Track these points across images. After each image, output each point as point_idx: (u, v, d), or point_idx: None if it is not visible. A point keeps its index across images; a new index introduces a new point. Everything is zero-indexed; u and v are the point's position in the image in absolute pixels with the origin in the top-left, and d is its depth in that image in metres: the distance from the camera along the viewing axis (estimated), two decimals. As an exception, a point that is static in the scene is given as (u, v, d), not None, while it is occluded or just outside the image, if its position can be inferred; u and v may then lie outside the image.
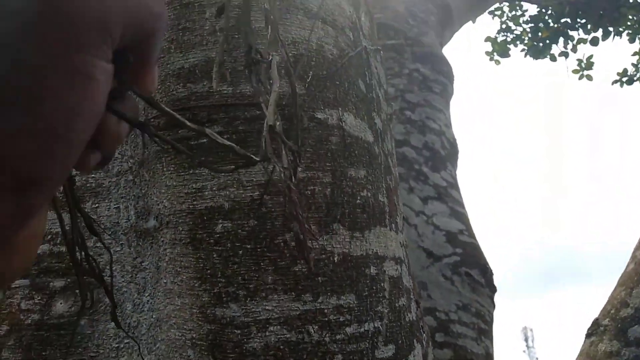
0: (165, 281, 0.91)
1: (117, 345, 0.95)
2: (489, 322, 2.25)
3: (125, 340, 0.95)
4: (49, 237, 1.07)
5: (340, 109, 0.98)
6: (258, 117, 0.90)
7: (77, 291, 1.01)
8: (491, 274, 2.39)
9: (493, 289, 2.35)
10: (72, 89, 0.23)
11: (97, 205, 1.07)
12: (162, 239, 0.94)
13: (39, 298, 1.01)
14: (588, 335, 1.91)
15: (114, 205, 1.06)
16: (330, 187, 0.92)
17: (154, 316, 0.92)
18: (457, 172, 3.04)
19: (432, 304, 2.19)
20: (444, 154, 2.91)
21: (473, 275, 2.31)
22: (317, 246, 0.88)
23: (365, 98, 1.11)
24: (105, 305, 0.98)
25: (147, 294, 0.95)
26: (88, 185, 1.11)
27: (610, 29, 5.95)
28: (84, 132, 0.25)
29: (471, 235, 2.56)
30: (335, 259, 0.89)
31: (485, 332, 2.18)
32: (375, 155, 1.08)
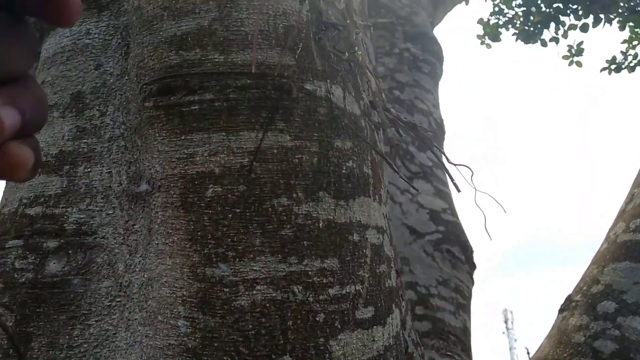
0: (157, 242, 0.94)
1: (109, 303, 0.99)
2: (467, 298, 2.34)
3: (117, 299, 0.99)
4: (42, 199, 1.09)
5: (328, 81, 1.01)
6: (249, 85, 0.93)
7: (70, 252, 1.04)
8: (471, 251, 2.47)
9: (473, 266, 2.43)
10: None
11: (89, 169, 1.10)
12: (154, 203, 0.97)
13: (33, 258, 1.05)
14: (561, 311, 2.00)
15: (106, 170, 1.09)
16: (317, 157, 0.96)
17: (145, 276, 0.96)
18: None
19: (413, 278, 2.26)
20: (431, 135, 2.96)
21: (454, 252, 2.38)
22: (303, 212, 0.92)
23: (350, 71, 1.14)
24: (97, 266, 1.02)
25: (139, 255, 0.99)
26: (80, 150, 1.13)
27: (601, 15, 5.99)
28: None
29: (454, 214, 2.63)
30: (320, 224, 0.93)
31: (463, 307, 2.26)
32: (361, 128, 1.11)
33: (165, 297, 0.90)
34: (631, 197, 2.04)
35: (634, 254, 1.79)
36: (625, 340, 1.64)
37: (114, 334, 0.96)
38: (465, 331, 2.20)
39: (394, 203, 2.54)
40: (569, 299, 1.98)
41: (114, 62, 1.20)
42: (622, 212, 2.05)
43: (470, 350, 2.18)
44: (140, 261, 0.98)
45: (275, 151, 0.92)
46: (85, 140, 1.14)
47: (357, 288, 0.96)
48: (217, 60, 0.94)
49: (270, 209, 0.90)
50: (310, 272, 0.90)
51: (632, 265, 1.76)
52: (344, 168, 1.01)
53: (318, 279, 0.91)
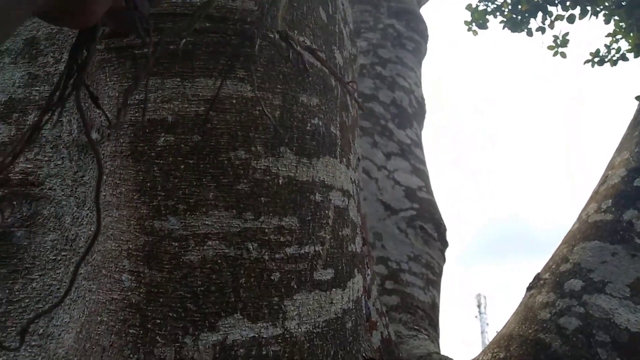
0: (104, 194, 0.89)
1: (54, 257, 0.93)
2: (438, 274, 2.33)
3: (63, 253, 0.93)
4: (-14, 147, 1.02)
5: (295, 31, 0.95)
6: (208, 29, 0.87)
7: (15, 202, 0.98)
8: (444, 229, 2.46)
9: (445, 244, 2.42)
10: None
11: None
12: (102, 152, 0.91)
13: (-26, 208, 0.98)
14: (529, 289, 2.00)
15: (57, 118, 1.02)
16: (280, 110, 0.91)
17: (92, 229, 0.91)
18: (423, 132, 3.06)
19: (385, 254, 2.24)
20: (411, 112, 2.92)
21: (427, 229, 2.37)
22: (262, 167, 0.87)
23: (325, 28, 1.08)
24: (43, 218, 0.96)
25: (86, 208, 0.93)
26: (31, 97, 1.06)
27: (588, 8, 6.00)
28: None
29: (429, 192, 2.61)
30: (280, 181, 0.89)
31: (433, 283, 2.26)
32: (331, 87, 1.06)
33: (110, 250, 0.84)
34: (604, 179, 2.04)
35: (603, 233, 1.80)
36: (589, 317, 1.65)
37: (58, 288, 0.91)
38: (434, 306, 2.20)
39: (370, 179, 2.51)
40: (537, 277, 1.98)
41: (71, 6, 1.12)
42: (595, 194, 2.05)
43: (438, 325, 2.18)
44: (87, 214, 0.93)
45: (234, 101, 0.87)
46: (37, 88, 1.07)
47: (316, 249, 0.92)
48: (174, 0, 0.87)
49: (226, 162, 0.85)
50: (266, 230, 0.86)
51: (601, 245, 1.76)
52: (309, 125, 0.96)
53: (275, 237, 0.87)
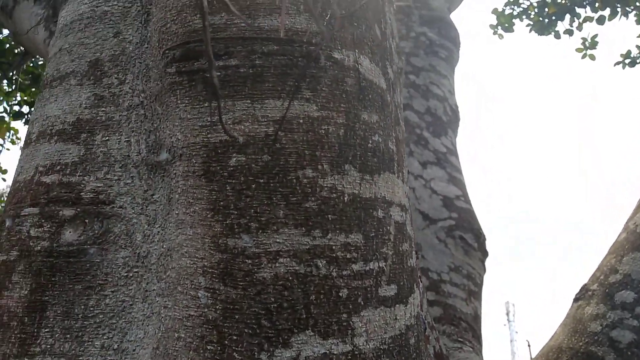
0: (177, 212, 0.92)
1: (126, 274, 0.97)
2: (479, 285, 2.31)
3: (135, 269, 0.97)
4: (59, 167, 1.07)
5: (357, 50, 0.97)
6: (276, 52, 0.90)
7: (87, 220, 1.02)
8: (484, 239, 2.44)
9: (485, 254, 2.40)
10: None
11: (107, 138, 1.07)
12: (174, 172, 0.94)
13: (49, 226, 1.03)
14: (576, 300, 1.96)
15: (125, 138, 1.06)
16: (344, 128, 0.93)
17: (164, 246, 0.94)
18: (457, 139, 3.05)
19: (425, 264, 2.23)
20: (446, 120, 2.91)
21: (467, 239, 2.35)
22: (328, 185, 0.89)
23: (380, 44, 1.10)
24: (114, 236, 1.00)
25: (157, 225, 0.97)
26: (98, 118, 1.11)
27: (618, 8, 5.87)
28: None
29: (467, 201, 2.59)
30: (345, 198, 0.91)
31: (475, 294, 2.24)
32: (387, 103, 1.08)
33: (185, 267, 0.87)
34: (653, 187, 2.00)
35: (655, 244, 1.76)
36: (644, 330, 1.61)
37: (131, 305, 0.95)
38: (476, 318, 2.18)
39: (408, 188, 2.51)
40: (584, 288, 1.94)
41: (133, 30, 1.16)
42: (642, 203, 2.01)
43: (481, 337, 2.16)
44: (159, 231, 0.96)
45: (301, 121, 0.89)
46: (103, 108, 1.11)
47: (380, 265, 0.93)
48: (243, 24, 0.90)
49: (294, 181, 0.87)
50: (334, 247, 0.88)
51: (653, 256, 1.72)
52: (370, 142, 0.97)
53: (342, 254, 0.88)
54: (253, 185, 0.86)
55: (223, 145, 0.88)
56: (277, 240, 0.85)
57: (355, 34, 0.98)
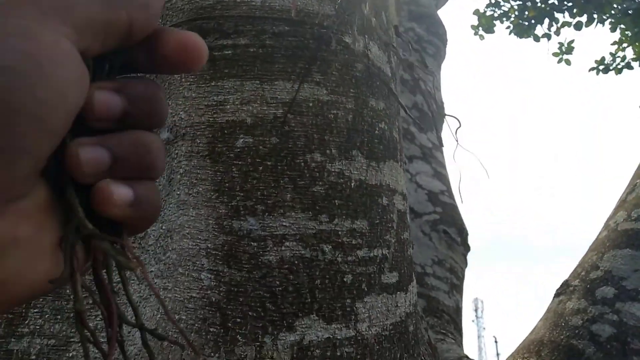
0: (178, 193, 0.89)
1: (122, 255, 0.94)
2: (461, 279, 2.34)
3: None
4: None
5: (366, 36, 0.96)
6: (287, 32, 0.88)
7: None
8: (466, 234, 2.47)
9: (467, 248, 2.43)
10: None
11: (103, 115, 1.03)
12: (176, 152, 0.92)
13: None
14: (557, 295, 2.01)
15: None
16: (352, 114, 0.92)
17: (163, 227, 0.91)
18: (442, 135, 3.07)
19: (410, 257, 2.25)
20: (432, 116, 2.93)
21: (450, 233, 2.38)
22: (336, 170, 0.88)
23: (386, 32, 1.10)
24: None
25: (156, 206, 0.94)
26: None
27: (595, 15, 6.02)
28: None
29: (451, 196, 2.63)
30: (352, 184, 0.90)
31: (456, 287, 2.27)
32: (392, 92, 1.07)
33: (187, 249, 0.85)
34: (632, 187, 2.06)
35: (635, 242, 1.81)
36: (623, 325, 1.66)
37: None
38: (458, 311, 2.22)
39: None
40: (566, 284, 1.99)
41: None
42: (622, 202, 2.07)
43: (462, 330, 2.20)
44: (158, 212, 0.93)
45: (311, 104, 0.88)
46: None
47: (384, 252, 0.93)
48: (253, 3, 0.88)
49: (302, 164, 0.86)
50: (340, 232, 0.87)
51: (633, 253, 1.78)
52: (377, 129, 0.97)
53: (347, 240, 0.88)
54: (260, 168, 0.85)
55: (230, 125, 0.86)
56: (284, 223, 0.83)
57: (365, 19, 0.97)
